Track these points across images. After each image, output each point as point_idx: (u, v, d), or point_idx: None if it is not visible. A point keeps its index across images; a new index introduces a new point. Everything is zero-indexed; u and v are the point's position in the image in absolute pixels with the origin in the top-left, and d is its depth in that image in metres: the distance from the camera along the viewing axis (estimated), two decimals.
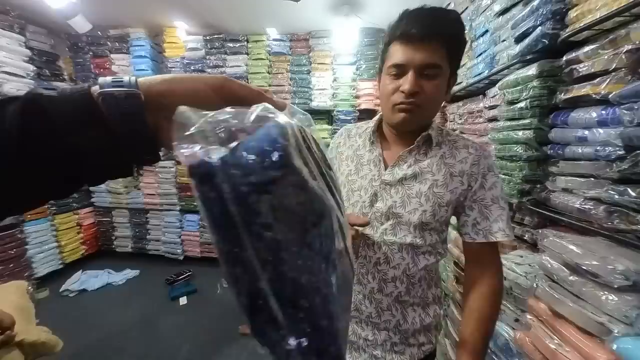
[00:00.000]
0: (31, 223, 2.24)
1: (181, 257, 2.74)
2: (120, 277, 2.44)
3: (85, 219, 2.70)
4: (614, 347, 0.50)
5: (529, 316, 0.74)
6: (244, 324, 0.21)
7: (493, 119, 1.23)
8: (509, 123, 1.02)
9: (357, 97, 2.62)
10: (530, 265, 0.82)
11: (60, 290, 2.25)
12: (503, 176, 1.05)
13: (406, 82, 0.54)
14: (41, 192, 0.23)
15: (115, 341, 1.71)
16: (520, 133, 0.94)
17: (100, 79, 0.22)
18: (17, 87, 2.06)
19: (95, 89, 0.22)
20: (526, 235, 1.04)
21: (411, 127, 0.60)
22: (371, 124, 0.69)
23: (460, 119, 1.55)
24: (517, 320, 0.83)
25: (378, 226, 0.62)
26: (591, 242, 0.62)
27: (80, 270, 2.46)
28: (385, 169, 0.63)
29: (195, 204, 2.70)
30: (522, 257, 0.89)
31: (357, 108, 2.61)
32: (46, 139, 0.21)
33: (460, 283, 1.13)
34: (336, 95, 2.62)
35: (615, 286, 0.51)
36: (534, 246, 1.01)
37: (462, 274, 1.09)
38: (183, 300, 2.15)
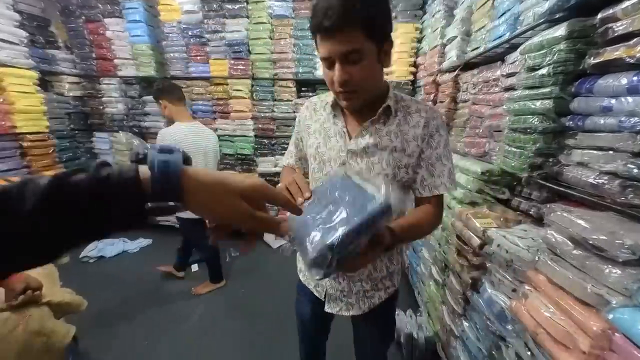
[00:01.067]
0: None
1: None
2: (134, 245, 2.58)
3: None
4: (610, 316, 0.51)
5: (526, 287, 0.76)
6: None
7: (510, 88, 1.15)
8: (527, 92, 0.95)
9: None
10: (533, 239, 0.82)
11: (80, 257, 2.41)
12: (514, 149, 1.01)
13: (335, 73, 0.58)
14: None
15: (133, 303, 1.85)
16: (538, 103, 0.88)
17: (151, 159, 0.29)
18: (12, 55, 1.99)
19: (144, 173, 0.29)
20: (532, 210, 1.02)
21: (357, 107, 0.66)
22: (329, 98, 0.73)
23: (474, 88, 1.45)
24: (514, 290, 0.85)
25: None
26: (600, 217, 0.61)
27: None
28: (350, 139, 0.70)
29: None
30: (525, 231, 0.89)
31: None
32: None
33: (461, 255, 1.15)
34: None
35: (621, 260, 0.51)
36: (538, 221, 1.00)
37: (464, 247, 1.11)
38: (194, 267, 2.28)
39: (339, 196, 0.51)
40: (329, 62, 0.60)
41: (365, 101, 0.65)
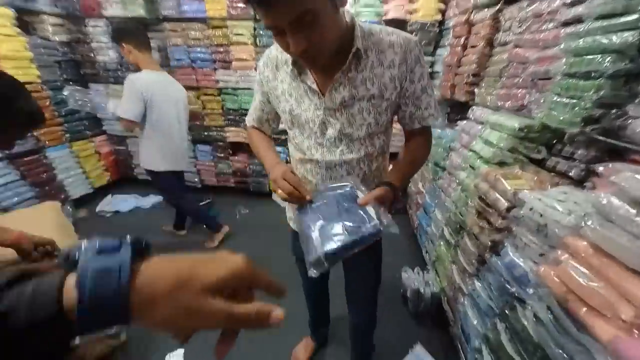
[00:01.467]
0: (51, 149, 2.29)
1: (199, 185, 2.86)
2: (147, 201, 2.63)
3: (102, 147, 2.74)
4: None
5: (559, 252, 0.70)
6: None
7: (570, 23, 0.93)
8: (599, 23, 0.76)
9: (384, 1, 2.11)
10: (576, 203, 0.73)
11: (97, 211, 2.49)
12: (566, 100, 0.85)
13: (290, 43, 0.49)
14: None
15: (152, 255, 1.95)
16: (614, 37, 0.70)
17: (80, 273, 0.20)
18: None
19: (70, 293, 0.20)
20: (572, 171, 0.92)
21: (323, 63, 0.57)
22: (288, 54, 0.61)
23: (520, 26, 1.21)
24: (541, 255, 0.80)
25: (335, 150, 0.69)
26: None
27: (110, 195, 2.65)
28: (324, 95, 0.64)
29: (205, 133, 2.63)
30: (565, 193, 0.80)
31: (383, 18, 2.14)
32: None
33: (482, 218, 1.09)
34: (358, 0, 2.12)
35: None
36: (578, 183, 0.91)
37: (488, 209, 1.04)
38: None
39: (338, 208, 0.59)
40: (276, 30, 0.49)
41: (331, 53, 0.56)
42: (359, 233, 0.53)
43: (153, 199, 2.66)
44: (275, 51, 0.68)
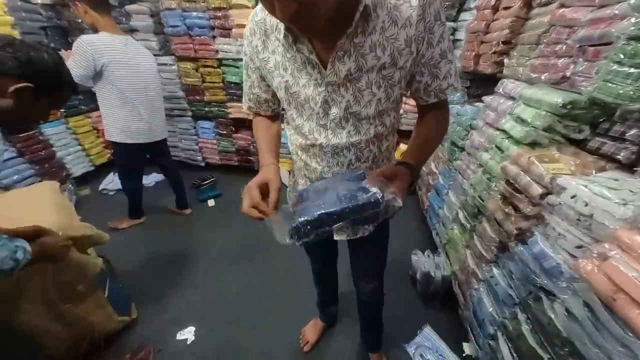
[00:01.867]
0: (47, 125, 2.19)
1: (202, 164, 2.78)
2: (149, 179, 2.58)
3: (99, 123, 2.63)
4: None
5: (608, 246, 0.62)
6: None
7: None
8: None
9: None
10: (632, 192, 0.64)
11: (100, 189, 2.45)
12: (629, 70, 0.72)
13: (275, 5, 0.38)
14: None
15: (159, 234, 1.93)
16: None
17: None
18: None
19: None
20: (621, 154, 0.81)
21: (320, 29, 0.43)
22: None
23: None
24: (579, 247, 0.73)
25: (341, 131, 0.61)
26: None
27: (112, 172, 2.60)
28: (325, 69, 0.53)
29: (206, 109, 2.50)
30: (617, 180, 0.70)
31: None
32: None
33: (507, 203, 1.01)
34: None
35: None
36: (627, 167, 0.81)
37: (517, 195, 0.96)
38: (211, 203, 2.30)
39: (340, 185, 0.52)
40: None
41: (329, 14, 0.42)
42: (353, 201, 0.46)
43: (156, 177, 2.61)
44: (261, 13, 0.55)
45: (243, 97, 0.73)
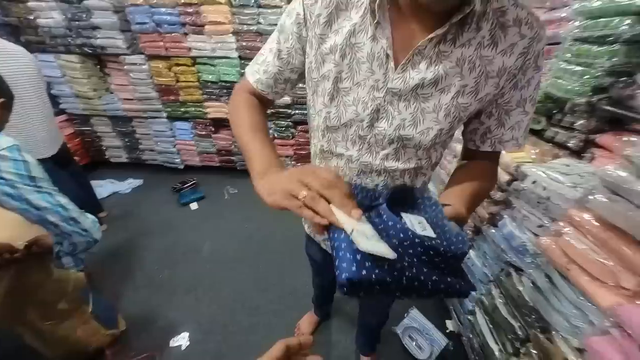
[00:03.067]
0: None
1: (181, 166, 2.69)
2: (125, 186, 2.45)
3: (64, 129, 2.44)
4: None
5: (562, 224, 0.72)
6: None
7: None
8: None
9: None
10: (580, 176, 0.74)
11: None
12: (575, 67, 0.82)
13: None
14: None
15: (142, 241, 1.86)
16: None
17: None
18: None
19: None
20: (571, 142, 0.92)
21: (451, 2, 0.35)
22: None
23: None
24: (540, 226, 0.83)
25: (378, 151, 0.49)
26: None
27: None
28: (395, 69, 0.42)
29: (182, 110, 2.40)
30: (568, 166, 0.80)
31: None
32: None
33: None
34: None
35: None
36: (576, 154, 0.92)
37: None
38: (194, 206, 2.25)
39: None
40: None
41: None
42: (449, 243, 0.33)
43: (132, 183, 2.49)
44: None
45: (250, 66, 0.56)
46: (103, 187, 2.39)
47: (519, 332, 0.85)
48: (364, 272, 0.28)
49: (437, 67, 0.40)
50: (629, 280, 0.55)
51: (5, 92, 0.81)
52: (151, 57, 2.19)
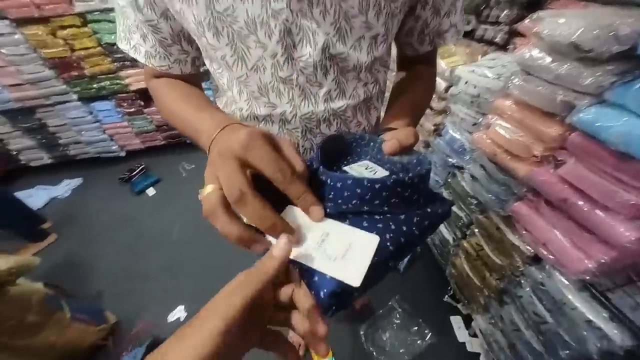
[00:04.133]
0: None
1: (122, 154, 2.39)
2: (62, 189, 2.16)
3: None
4: (574, 119, 0.55)
5: (490, 117, 0.79)
6: None
7: None
8: None
9: None
10: (503, 66, 0.78)
11: None
12: None
13: None
14: None
15: (101, 240, 1.74)
16: None
17: None
18: None
19: None
20: (498, 36, 0.95)
21: None
22: None
23: None
24: (474, 124, 0.90)
25: (316, 91, 0.38)
26: (594, 13, 0.54)
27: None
28: None
29: (94, 86, 2.01)
30: (494, 60, 0.84)
31: None
32: None
33: None
34: None
35: (606, 56, 0.48)
36: (503, 48, 0.95)
37: None
38: (151, 192, 2.09)
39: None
40: None
41: None
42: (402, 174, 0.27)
43: (69, 184, 2.20)
44: None
45: (136, 53, 0.39)
46: (35, 197, 2.08)
47: (465, 220, 1.00)
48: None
49: None
50: (537, 149, 0.63)
51: None
52: (21, 23, 1.70)
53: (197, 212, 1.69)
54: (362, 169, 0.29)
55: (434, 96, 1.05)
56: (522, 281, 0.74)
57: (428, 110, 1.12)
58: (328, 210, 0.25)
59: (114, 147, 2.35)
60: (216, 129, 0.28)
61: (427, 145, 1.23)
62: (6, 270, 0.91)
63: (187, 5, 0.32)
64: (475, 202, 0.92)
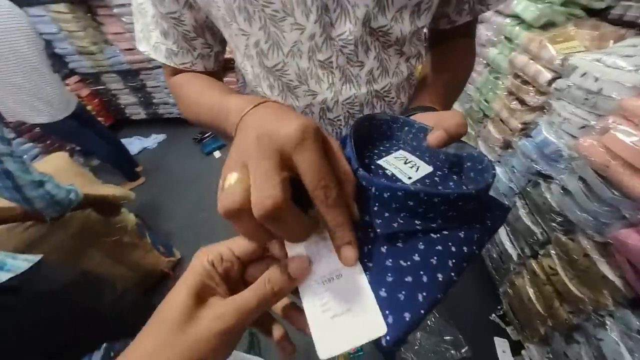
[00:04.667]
0: None
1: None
2: (151, 141, 2.58)
3: (80, 90, 2.49)
4: None
5: (611, 119, 0.63)
6: None
7: None
8: None
9: None
10: None
11: None
12: None
13: None
14: None
15: (177, 190, 2.05)
16: None
17: None
18: None
19: None
20: None
21: None
22: None
23: None
24: (583, 127, 0.74)
25: (357, 72, 0.34)
26: None
27: None
28: None
29: None
30: (635, 46, 0.65)
31: None
32: None
33: (514, 98, 0.98)
34: None
35: None
36: None
37: (524, 87, 0.92)
38: (217, 154, 2.34)
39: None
40: None
41: None
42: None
43: (157, 138, 2.61)
44: None
45: (153, 51, 0.38)
46: (132, 144, 2.54)
47: (540, 237, 0.86)
48: (407, 314, 0.18)
49: None
50: None
51: None
52: None
53: None
54: (401, 163, 0.24)
55: (530, 89, 0.89)
56: (608, 322, 0.61)
57: (518, 105, 0.95)
58: (379, 230, 0.19)
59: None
60: (250, 104, 0.22)
61: (507, 145, 1.07)
62: (120, 197, 1.15)
63: (215, 4, 0.31)
64: (560, 219, 0.78)
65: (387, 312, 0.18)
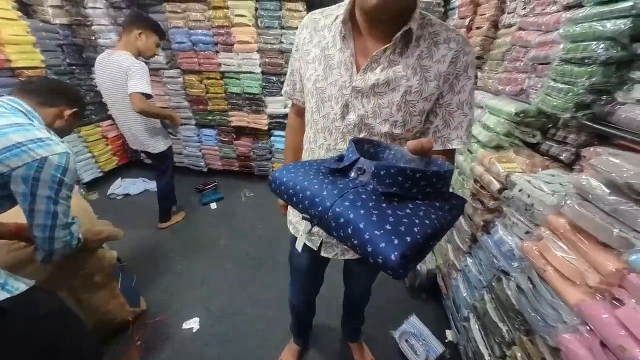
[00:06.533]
0: None
1: (205, 169, 2.93)
2: (154, 184, 2.71)
3: (109, 132, 2.79)
4: (632, 258, 0.52)
5: (542, 230, 0.77)
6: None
7: (573, 6, 0.94)
8: (597, 9, 0.77)
9: None
10: (561, 184, 0.79)
11: (108, 194, 2.58)
12: (561, 85, 0.88)
13: None
14: None
15: (166, 233, 2.06)
16: (609, 24, 0.72)
17: None
18: None
19: None
20: (563, 155, 0.96)
21: (390, 10, 0.48)
22: (342, 10, 0.56)
23: (525, 7, 1.20)
24: (527, 232, 0.87)
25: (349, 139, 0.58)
26: None
27: (120, 178, 2.74)
28: (357, 72, 0.55)
29: (209, 118, 2.66)
30: (553, 176, 0.85)
31: None
32: None
33: (476, 199, 1.15)
34: None
35: None
36: (568, 166, 0.95)
37: (482, 191, 1.10)
38: (213, 206, 2.44)
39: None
40: None
41: (399, 9, 0.48)
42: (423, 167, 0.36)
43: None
44: (319, 14, 0.63)
45: (285, 83, 0.76)
46: (135, 184, 2.67)
47: (506, 336, 0.87)
48: (408, 237, 0.25)
49: (388, 71, 0.53)
50: (592, 279, 0.59)
51: (79, 102, 0.92)
52: (186, 72, 2.49)
53: (240, 234, 1.90)
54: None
55: (486, 193, 1.07)
56: None
57: (479, 205, 1.12)
58: (380, 189, 0.32)
59: (200, 163, 2.91)
60: None
61: (474, 239, 1.18)
62: (112, 236, 1.19)
63: (307, 80, 0.63)
64: (519, 318, 0.82)
65: (392, 237, 0.26)
